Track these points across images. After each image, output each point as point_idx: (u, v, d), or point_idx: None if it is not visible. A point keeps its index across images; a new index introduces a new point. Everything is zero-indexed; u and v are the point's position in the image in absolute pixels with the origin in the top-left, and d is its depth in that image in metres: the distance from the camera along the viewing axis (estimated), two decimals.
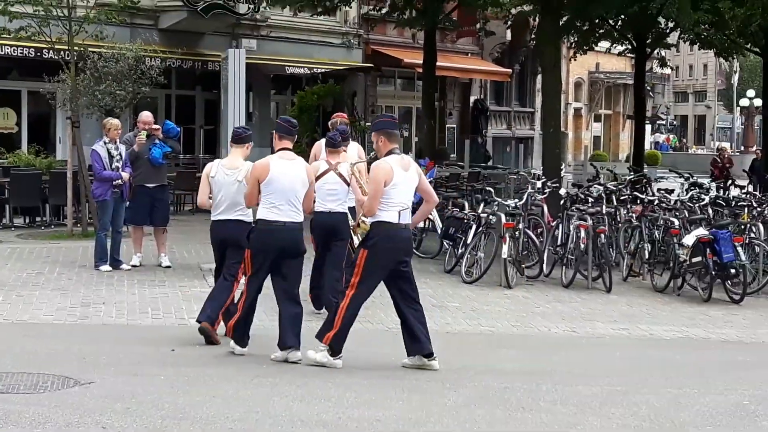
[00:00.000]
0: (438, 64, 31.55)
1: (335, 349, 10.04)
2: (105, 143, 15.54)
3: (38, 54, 23.89)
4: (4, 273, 14.87)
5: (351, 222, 12.06)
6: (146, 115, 16.26)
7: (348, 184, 12.07)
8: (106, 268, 15.29)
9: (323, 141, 13.13)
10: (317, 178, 11.78)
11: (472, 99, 40.04)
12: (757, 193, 22.46)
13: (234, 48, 16.33)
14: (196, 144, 31.55)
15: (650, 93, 51.05)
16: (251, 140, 11.43)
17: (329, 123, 13.82)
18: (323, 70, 32.14)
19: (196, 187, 25.24)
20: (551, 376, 10.20)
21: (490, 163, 37.15)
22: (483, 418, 8.45)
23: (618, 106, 51.14)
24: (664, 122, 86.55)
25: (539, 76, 31.33)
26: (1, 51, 24.54)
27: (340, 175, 12.31)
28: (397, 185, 9.91)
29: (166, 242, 16.22)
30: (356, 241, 11.42)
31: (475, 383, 9.69)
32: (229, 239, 11.20)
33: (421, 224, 18.42)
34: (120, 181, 15.49)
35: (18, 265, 15.58)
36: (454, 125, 39.56)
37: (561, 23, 22.32)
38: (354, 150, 13.43)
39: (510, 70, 39.98)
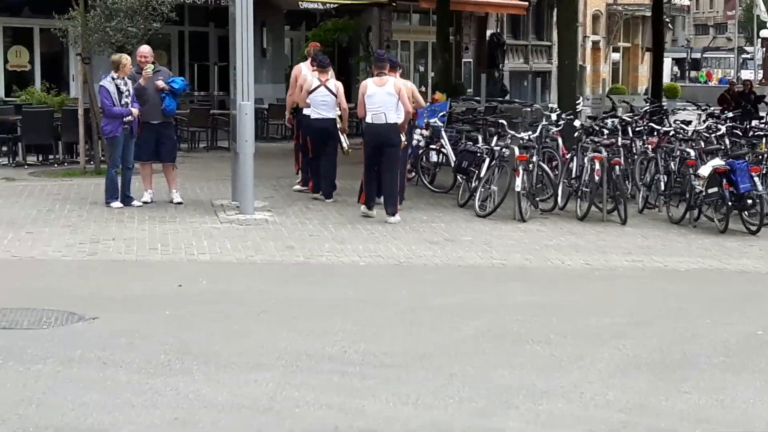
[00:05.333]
0: None
1: (369, 205, 15.16)
2: (113, 78, 15.35)
3: None
4: (14, 210, 14.80)
5: (338, 125, 16.35)
6: (146, 50, 16.08)
7: (335, 96, 16.30)
8: (116, 204, 15.20)
9: (302, 64, 17.39)
10: (311, 92, 16.34)
11: (488, 33, 39.59)
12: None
13: None
14: (210, 81, 31.31)
15: (669, 25, 50.49)
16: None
17: (306, 50, 18.33)
18: (336, 5, 31.77)
19: (210, 124, 25.56)
20: (563, 309, 10.07)
21: (507, 98, 36.83)
22: (492, 351, 8.35)
23: (637, 38, 50.54)
24: (749, 56, 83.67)
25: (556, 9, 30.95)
26: None
27: (329, 89, 16.30)
28: (371, 95, 14.82)
29: (176, 178, 16.12)
30: (342, 138, 16.43)
31: (485, 316, 9.58)
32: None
33: (435, 158, 18.36)
34: (130, 117, 15.35)
35: (29, 202, 15.52)
36: (471, 60, 39.15)
37: None
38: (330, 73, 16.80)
39: (527, 3, 39.41)
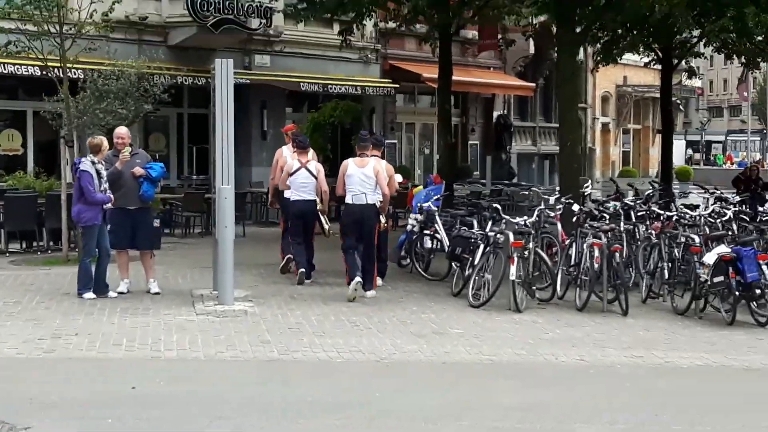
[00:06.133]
0: (458, 78, 30.56)
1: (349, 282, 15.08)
2: (93, 163, 14.67)
3: (44, 73, 22.70)
4: None
5: (318, 206, 16.28)
6: (124, 132, 15.43)
7: (316, 178, 16.20)
8: (89, 295, 14.41)
9: (285, 147, 17.16)
10: (291, 174, 16.21)
11: (495, 114, 38.96)
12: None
13: (225, 59, 15.37)
14: (210, 164, 30.58)
15: (680, 107, 49.88)
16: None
17: (286, 132, 17.86)
18: (339, 89, 31.16)
19: (206, 209, 24.86)
20: (551, 411, 9.23)
21: (514, 180, 36.11)
22: None
23: (648, 120, 49.91)
24: None
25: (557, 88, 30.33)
26: (3, 69, 23.54)
27: (309, 171, 16.24)
28: (351, 176, 15.11)
29: (153, 266, 15.34)
30: (323, 220, 16.32)
31: (465, 421, 8.73)
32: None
33: (429, 244, 17.60)
34: (110, 204, 14.67)
35: None
36: (477, 142, 38.48)
37: (578, 31, 21.23)
38: (311, 152, 16.80)
39: (534, 85, 38.89)
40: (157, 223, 21.37)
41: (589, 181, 35.46)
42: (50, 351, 11.18)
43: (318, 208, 16.29)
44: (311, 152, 16.79)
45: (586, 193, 30.35)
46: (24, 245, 20.21)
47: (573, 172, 20.35)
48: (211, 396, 9.40)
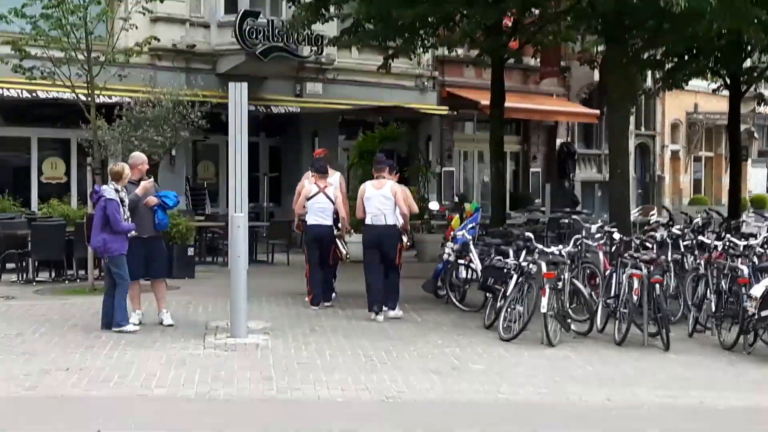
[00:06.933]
0: (517, 105, 29.81)
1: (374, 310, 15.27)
2: (117, 190, 14.07)
3: (77, 99, 22.06)
4: None
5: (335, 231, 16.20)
6: (144, 158, 14.90)
7: (333, 203, 16.01)
8: (131, 327, 13.73)
9: (310, 173, 16.56)
10: (309, 199, 16.05)
11: (558, 142, 37.93)
12: None
13: (239, 83, 14.50)
14: (260, 192, 30.01)
15: (754, 134, 48.31)
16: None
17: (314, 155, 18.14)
18: (395, 114, 30.34)
19: (251, 237, 24.18)
20: None
21: (578, 208, 34.96)
22: None
23: (720, 148, 48.37)
24: None
25: (632, 117, 29.25)
26: (48, 94, 22.79)
27: (327, 196, 16.04)
28: (369, 198, 15.34)
29: (165, 296, 14.60)
30: (340, 246, 16.22)
31: None
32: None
33: (464, 274, 16.75)
34: (134, 232, 14.10)
35: (2, 325, 14.09)
36: (539, 169, 37.46)
37: (630, 53, 20.25)
38: (336, 177, 16.64)
39: (597, 111, 37.74)
40: (191, 251, 20.84)
41: (655, 209, 34.25)
42: (32, 388, 10.46)
43: (336, 233, 16.14)
44: (336, 176, 16.68)
45: (651, 222, 29.20)
46: (53, 274, 19.63)
47: (623, 201, 19.43)
48: None
